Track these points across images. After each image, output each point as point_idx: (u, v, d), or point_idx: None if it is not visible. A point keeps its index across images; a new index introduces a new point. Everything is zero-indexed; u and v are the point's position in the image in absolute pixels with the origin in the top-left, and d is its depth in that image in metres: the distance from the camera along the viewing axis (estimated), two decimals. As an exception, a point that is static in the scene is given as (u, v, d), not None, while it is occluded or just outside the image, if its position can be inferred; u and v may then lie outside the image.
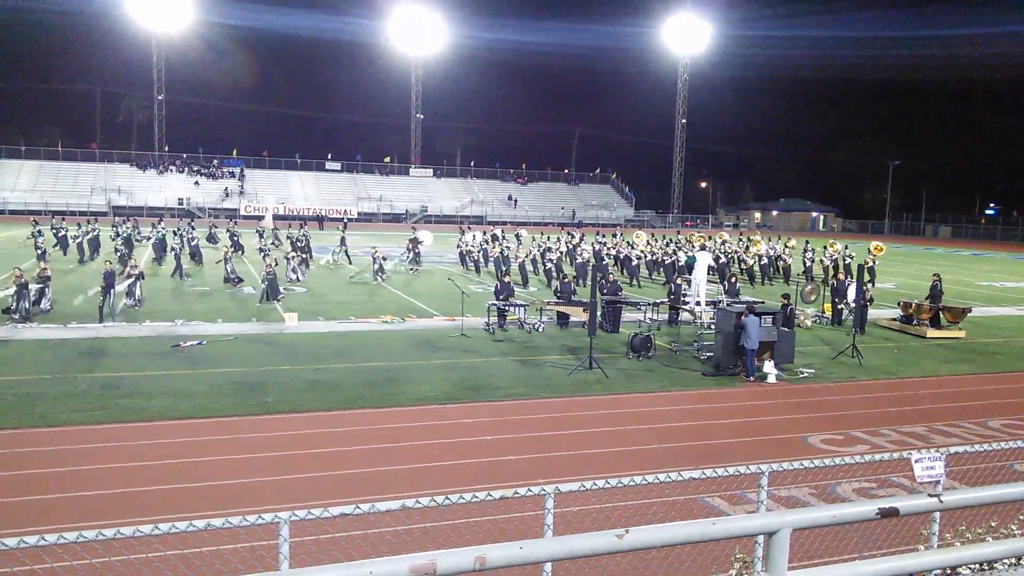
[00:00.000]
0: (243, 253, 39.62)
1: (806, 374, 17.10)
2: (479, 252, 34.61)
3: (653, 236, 44.97)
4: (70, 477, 9.97)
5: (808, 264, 35.43)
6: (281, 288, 25.95)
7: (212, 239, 44.33)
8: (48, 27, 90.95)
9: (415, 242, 38.13)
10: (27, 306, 20.17)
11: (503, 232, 40.95)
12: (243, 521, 4.19)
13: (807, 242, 39.08)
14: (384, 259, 32.07)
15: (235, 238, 40.84)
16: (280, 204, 77.97)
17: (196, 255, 35.12)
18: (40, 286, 21.73)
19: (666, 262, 34.08)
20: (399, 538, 7.80)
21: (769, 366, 16.48)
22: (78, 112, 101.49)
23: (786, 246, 38.07)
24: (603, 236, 43.15)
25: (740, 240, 39.79)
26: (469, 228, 42.17)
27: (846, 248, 37.32)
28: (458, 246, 36.06)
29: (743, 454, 11.60)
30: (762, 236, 45.90)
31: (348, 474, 10.40)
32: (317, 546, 7.12)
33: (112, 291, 21.11)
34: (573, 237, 37.49)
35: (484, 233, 37.54)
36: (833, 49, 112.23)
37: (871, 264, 33.76)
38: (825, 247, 37.64)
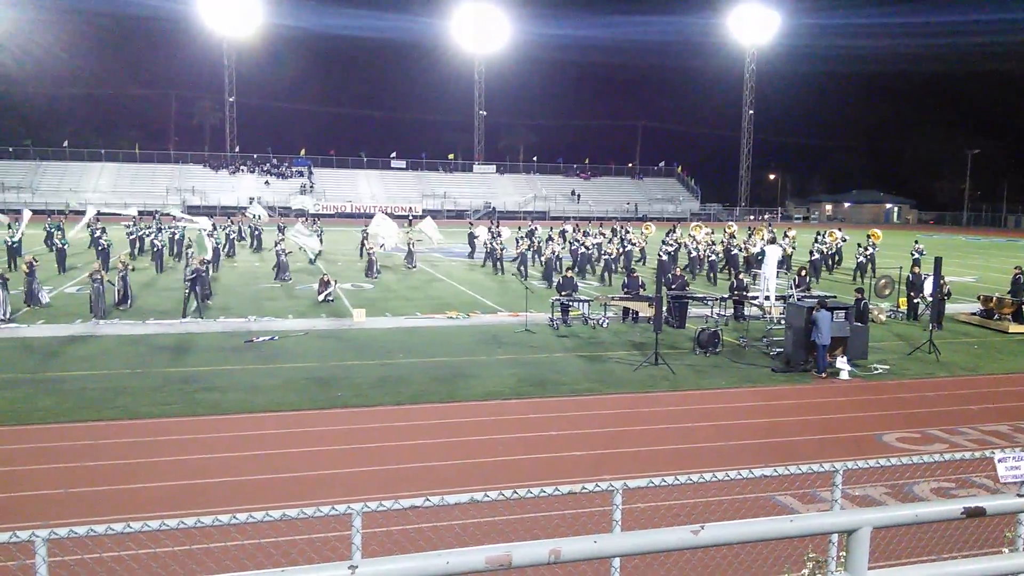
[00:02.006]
0: (260, 247, 41.01)
1: (880, 370, 16.63)
2: (500, 249, 33.98)
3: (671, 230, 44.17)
4: (149, 468, 10.32)
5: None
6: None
7: (240, 235, 45.36)
8: (125, 35, 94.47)
9: (471, 237, 38.27)
10: (104, 307, 20.78)
11: (529, 228, 40.52)
12: (317, 512, 4.29)
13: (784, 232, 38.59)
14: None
15: (257, 233, 42.11)
16: (347, 202, 79.99)
17: (231, 251, 37.16)
18: (122, 275, 22.52)
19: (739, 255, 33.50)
20: (467, 531, 7.85)
21: (842, 362, 16.09)
22: (154, 116, 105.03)
23: (785, 235, 37.38)
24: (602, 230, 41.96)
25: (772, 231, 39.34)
26: (498, 224, 41.62)
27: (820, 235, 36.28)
28: (486, 244, 35.47)
29: (815, 452, 11.36)
30: (765, 227, 45.08)
31: (417, 467, 10.53)
32: (388, 538, 7.24)
33: (197, 287, 21.72)
34: (585, 234, 36.21)
35: (490, 229, 36.98)
36: (906, 37, 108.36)
37: (870, 251, 32.33)
38: (823, 234, 36.56)
